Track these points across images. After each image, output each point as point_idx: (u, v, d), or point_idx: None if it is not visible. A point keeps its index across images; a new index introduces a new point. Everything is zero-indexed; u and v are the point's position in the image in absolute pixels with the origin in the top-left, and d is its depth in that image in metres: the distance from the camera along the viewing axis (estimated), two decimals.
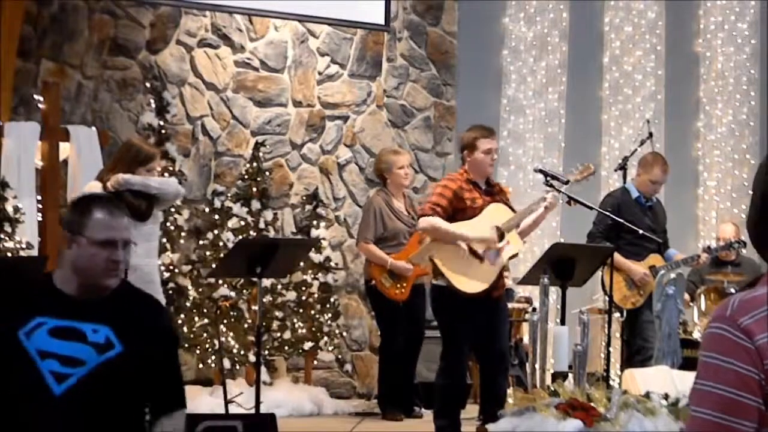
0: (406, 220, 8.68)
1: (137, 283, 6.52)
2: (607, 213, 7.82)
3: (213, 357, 8.95)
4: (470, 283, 6.93)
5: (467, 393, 8.01)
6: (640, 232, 7.88)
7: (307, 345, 9.38)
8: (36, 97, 9.04)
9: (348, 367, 10.24)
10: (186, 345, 8.83)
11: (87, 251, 3.55)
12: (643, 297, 8.45)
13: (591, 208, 7.39)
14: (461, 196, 7.02)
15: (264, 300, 8.79)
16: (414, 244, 8.53)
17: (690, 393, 2.05)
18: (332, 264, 9.63)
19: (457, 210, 7.00)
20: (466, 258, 6.94)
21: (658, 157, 8.72)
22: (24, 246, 8.32)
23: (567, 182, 7.28)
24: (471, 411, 7.92)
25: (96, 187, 6.64)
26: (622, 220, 7.80)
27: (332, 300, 9.56)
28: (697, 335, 9.44)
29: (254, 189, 9.34)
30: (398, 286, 8.58)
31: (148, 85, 9.51)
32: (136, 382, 3.57)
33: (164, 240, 8.91)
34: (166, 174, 6.98)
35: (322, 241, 9.55)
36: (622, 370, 8.28)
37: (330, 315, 9.48)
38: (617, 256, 7.89)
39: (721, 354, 1.99)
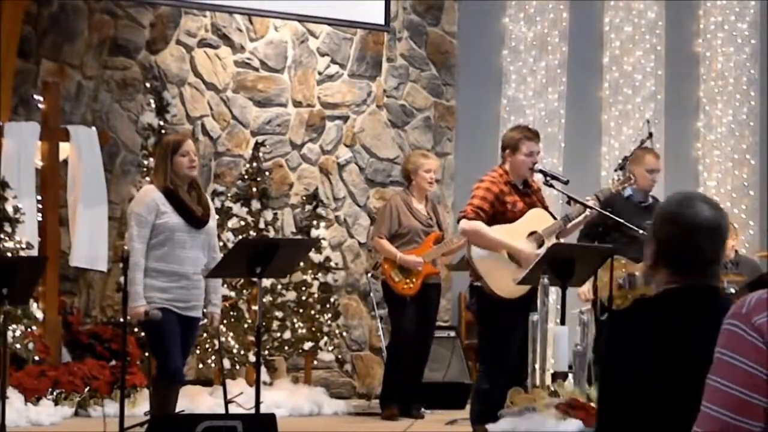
0: (422, 219, 8.72)
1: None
2: (608, 213, 7.80)
3: (213, 357, 8.95)
4: (509, 286, 6.91)
5: (468, 393, 7.99)
6: (635, 231, 7.84)
7: (307, 345, 9.38)
8: (36, 97, 9.05)
9: (348, 367, 10.24)
10: None
11: None
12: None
13: (591, 209, 7.38)
14: (503, 200, 6.97)
15: (264, 300, 8.79)
16: (429, 243, 8.59)
17: (705, 386, 2.08)
18: (332, 264, 9.63)
19: (497, 213, 6.96)
20: (505, 262, 6.94)
21: (643, 149, 8.71)
22: (24, 246, 8.32)
23: (567, 182, 7.28)
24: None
25: (152, 191, 6.49)
26: (621, 220, 7.78)
27: (332, 300, 9.56)
28: None
29: (254, 189, 9.34)
30: (407, 281, 8.62)
31: (148, 85, 9.50)
32: None
33: None
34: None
35: (322, 241, 9.55)
36: None
37: (330, 315, 9.48)
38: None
39: (734, 352, 2.02)
